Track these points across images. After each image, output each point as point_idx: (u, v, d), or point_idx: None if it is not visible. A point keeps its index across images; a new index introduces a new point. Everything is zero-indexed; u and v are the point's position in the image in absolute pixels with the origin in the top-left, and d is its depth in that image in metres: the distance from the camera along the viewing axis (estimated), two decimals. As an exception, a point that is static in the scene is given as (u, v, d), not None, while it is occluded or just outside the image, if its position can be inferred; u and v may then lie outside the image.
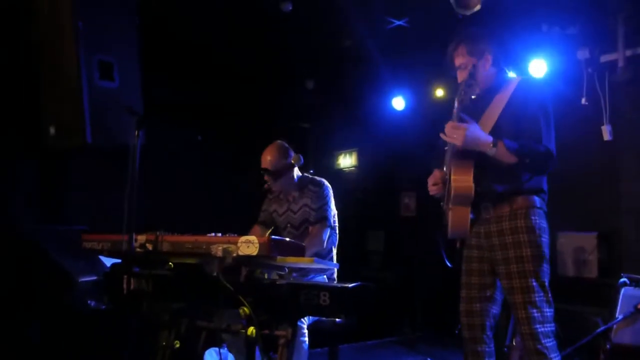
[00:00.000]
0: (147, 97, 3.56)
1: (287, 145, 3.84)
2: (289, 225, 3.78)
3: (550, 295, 2.81)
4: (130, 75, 3.51)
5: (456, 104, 2.86)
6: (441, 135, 2.84)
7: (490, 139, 2.73)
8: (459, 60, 2.97)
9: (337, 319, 3.42)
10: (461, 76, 2.97)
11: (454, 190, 2.81)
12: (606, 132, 4.78)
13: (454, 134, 2.75)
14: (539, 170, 2.85)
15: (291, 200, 3.82)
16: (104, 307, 3.84)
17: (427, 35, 5.27)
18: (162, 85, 5.02)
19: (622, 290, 3.83)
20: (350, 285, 2.42)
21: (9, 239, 4.25)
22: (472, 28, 3.05)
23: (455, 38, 3.01)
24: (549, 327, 2.78)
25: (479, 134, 2.74)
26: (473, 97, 2.87)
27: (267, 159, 3.75)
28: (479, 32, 3.01)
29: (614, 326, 3.75)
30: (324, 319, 3.47)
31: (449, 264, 3.10)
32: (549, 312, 2.79)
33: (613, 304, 3.86)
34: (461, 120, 2.79)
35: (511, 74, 3.07)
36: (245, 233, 2.60)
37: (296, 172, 3.82)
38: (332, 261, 3.76)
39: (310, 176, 3.87)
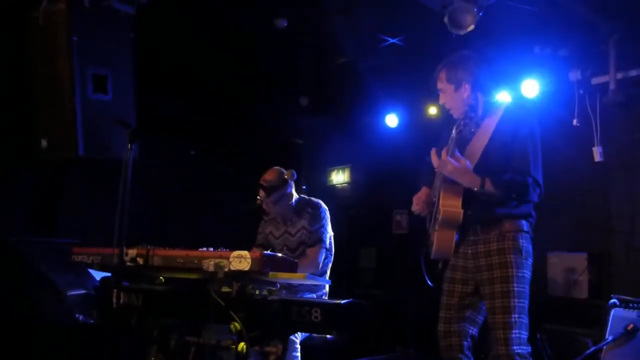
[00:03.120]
0: (141, 111, 3.56)
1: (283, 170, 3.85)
2: (285, 247, 3.77)
3: (527, 318, 2.85)
4: (124, 88, 3.51)
5: (454, 133, 2.89)
6: (433, 159, 2.90)
7: (478, 180, 2.81)
8: (439, 84, 3.06)
9: (328, 336, 3.41)
10: (441, 99, 3.08)
11: (442, 214, 2.86)
12: (597, 153, 4.81)
13: (443, 164, 2.82)
14: (525, 201, 2.91)
15: (289, 224, 3.80)
16: (92, 321, 3.80)
17: (421, 54, 5.31)
18: (156, 101, 5.03)
19: (612, 312, 3.83)
20: (342, 301, 2.41)
21: (-1, 250, 4.22)
22: (455, 56, 3.09)
23: (440, 63, 3.09)
24: (525, 349, 2.81)
25: (466, 174, 2.82)
26: (472, 130, 2.92)
27: (265, 178, 3.76)
28: (460, 60, 3.06)
29: (604, 347, 3.74)
30: (315, 335, 3.45)
31: (430, 284, 3.13)
32: (525, 334, 2.83)
33: (603, 325, 3.86)
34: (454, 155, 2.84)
35: (500, 97, 3.10)
36: (237, 248, 2.59)
37: (294, 195, 3.81)
38: (322, 294, 3.75)
39: (307, 198, 3.86)
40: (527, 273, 2.89)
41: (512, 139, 2.89)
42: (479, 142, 2.95)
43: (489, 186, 2.81)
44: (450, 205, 2.86)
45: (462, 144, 2.96)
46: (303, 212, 3.76)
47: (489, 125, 2.96)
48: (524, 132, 2.90)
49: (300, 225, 3.74)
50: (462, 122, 2.86)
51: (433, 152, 2.93)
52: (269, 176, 3.74)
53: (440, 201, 2.89)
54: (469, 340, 2.98)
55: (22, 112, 3.78)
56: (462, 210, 2.85)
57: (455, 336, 2.95)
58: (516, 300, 2.81)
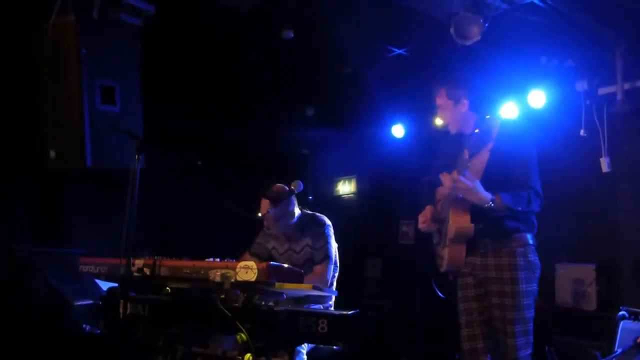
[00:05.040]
0: (148, 122, 3.57)
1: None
2: (290, 264, 3.74)
3: (532, 324, 3.08)
4: (132, 99, 3.52)
5: (466, 154, 3.06)
6: (444, 180, 3.02)
7: (488, 197, 2.97)
8: (438, 100, 3.26)
9: (335, 347, 3.40)
10: (439, 115, 3.31)
11: (455, 230, 3.04)
12: (605, 164, 4.79)
13: (457, 184, 2.95)
14: (530, 212, 3.10)
15: (292, 241, 3.77)
16: (99, 331, 3.80)
17: (427, 64, 5.32)
18: (163, 112, 5.04)
19: (621, 324, 3.81)
20: (348, 312, 2.41)
21: (5, 260, 4.23)
22: (453, 73, 3.34)
23: (437, 81, 3.31)
24: (528, 351, 3.05)
25: (479, 192, 2.97)
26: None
27: (269, 190, 3.75)
28: (458, 78, 3.29)
29: None
30: (322, 346, 3.44)
31: (441, 295, 3.32)
32: (531, 339, 3.07)
33: (612, 337, 3.83)
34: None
35: (493, 115, 3.23)
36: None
37: (296, 212, 3.78)
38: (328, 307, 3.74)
39: (310, 213, 3.83)
40: (535, 286, 3.10)
41: (511, 157, 3.07)
42: (480, 160, 3.07)
43: (498, 202, 2.97)
44: (461, 222, 3.04)
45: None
46: (307, 229, 3.72)
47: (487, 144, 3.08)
48: (522, 149, 3.10)
49: (305, 243, 3.71)
50: (472, 143, 3.02)
51: (444, 174, 3.06)
52: (274, 189, 3.73)
53: (451, 218, 3.07)
54: (493, 341, 3.13)
55: (30, 123, 3.80)
56: (472, 225, 3.03)
57: (480, 339, 3.13)
58: (525, 312, 3.03)
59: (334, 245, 3.75)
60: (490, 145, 3.01)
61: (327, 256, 3.65)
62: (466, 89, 3.24)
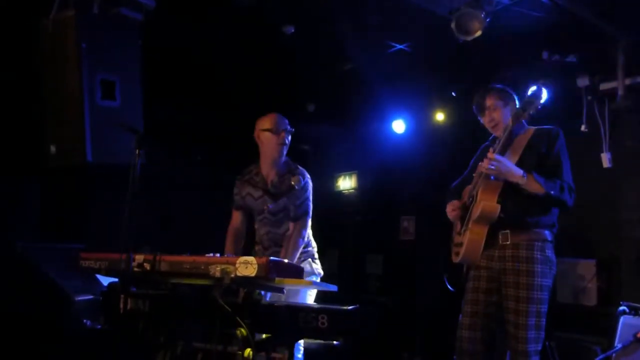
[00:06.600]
0: (149, 117, 3.57)
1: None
2: (265, 210, 3.74)
3: (545, 319, 3.12)
4: (132, 94, 3.52)
5: (505, 133, 3.20)
6: (483, 162, 3.13)
7: (521, 172, 3.08)
8: (489, 101, 3.33)
9: (335, 342, 3.41)
10: (489, 115, 3.31)
11: (482, 207, 3.13)
12: (606, 160, 4.79)
13: (494, 163, 3.07)
14: (562, 202, 3.12)
15: (269, 185, 3.76)
16: (99, 326, 3.81)
17: (428, 60, 5.31)
18: (163, 107, 5.04)
19: (621, 319, 3.81)
20: (348, 308, 2.41)
21: (6, 256, 4.23)
22: (504, 75, 3.58)
23: (484, 88, 3.40)
24: (539, 347, 3.10)
25: (512, 167, 3.11)
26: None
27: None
28: (510, 79, 3.53)
29: (613, 355, 3.72)
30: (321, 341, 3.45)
31: (451, 288, 3.39)
32: (542, 334, 3.12)
33: (612, 333, 3.84)
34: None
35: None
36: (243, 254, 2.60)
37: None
38: (310, 251, 3.77)
39: (292, 164, 3.83)
40: (550, 281, 3.16)
41: (545, 155, 3.18)
42: (514, 154, 3.20)
43: (531, 179, 3.04)
44: (488, 200, 3.14)
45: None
46: (286, 180, 3.72)
47: (521, 141, 3.23)
48: (555, 149, 3.20)
49: (284, 189, 3.71)
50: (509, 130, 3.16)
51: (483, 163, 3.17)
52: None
53: (479, 196, 3.17)
54: (491, 336, 3.22)
55: (31, 119, 3.80)
56: (498, 206, 3.11)
57: (479, 330, 3.17)
58: (538, 306, 3.08)
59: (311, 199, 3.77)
60: (523, 143, 3.16)
61: (306, 212, 3.68)
62: (513, 93, 3.36)
